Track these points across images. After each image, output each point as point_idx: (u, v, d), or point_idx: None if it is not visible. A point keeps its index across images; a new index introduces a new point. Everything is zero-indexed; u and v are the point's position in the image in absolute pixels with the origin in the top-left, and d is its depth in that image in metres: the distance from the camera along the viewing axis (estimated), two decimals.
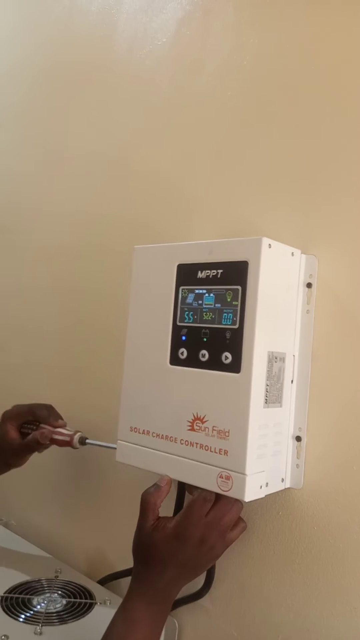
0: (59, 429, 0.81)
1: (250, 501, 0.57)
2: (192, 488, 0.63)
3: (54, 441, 0.80)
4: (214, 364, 0.60)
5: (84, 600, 0.81)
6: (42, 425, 0.82)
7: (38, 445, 0.80)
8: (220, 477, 0.58)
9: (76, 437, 0.80)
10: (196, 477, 0.60)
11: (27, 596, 0.81)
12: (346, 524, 0.61)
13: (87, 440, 0.80)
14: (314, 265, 0.64)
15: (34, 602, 0.80)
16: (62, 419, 0.84)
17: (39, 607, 0.79)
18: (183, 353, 0.63)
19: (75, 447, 0.80)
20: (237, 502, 0.61)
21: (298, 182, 0.68)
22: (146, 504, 0.62)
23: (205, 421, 0.60)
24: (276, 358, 0.60)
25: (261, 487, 0.59)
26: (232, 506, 0.61)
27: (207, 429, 0.60)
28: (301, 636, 0.64)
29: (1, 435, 0.82)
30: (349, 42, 0.64)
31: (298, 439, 0.64)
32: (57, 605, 0.80)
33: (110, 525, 0.91)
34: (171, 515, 0.64)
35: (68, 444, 0.80)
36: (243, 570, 0.70)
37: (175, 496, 0.72)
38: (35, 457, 1.06)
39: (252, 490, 0.57)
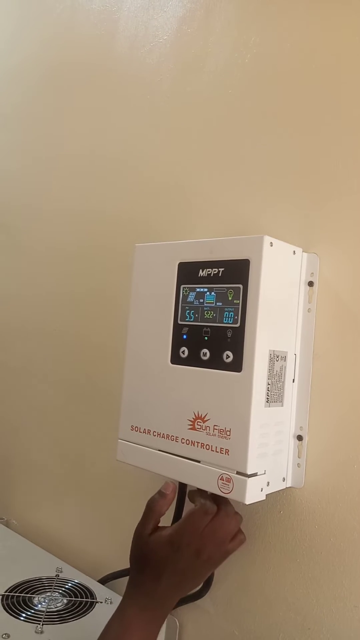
0: None
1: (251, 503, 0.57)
2: (193, 496, 0.62)
3: None
4: (215, 362, 0.60)
5: (84, 599, 0.81)
6: None
7: None
8: (221, 479, 0.58)
9: None
10: (197, 478, 0.60)
11: (28, 595, 0.81)
12: (347, 523, 0.61)
13: None
14: (316, 263, 0.64)
15: (35, 600, 0.80)
16: None
17: (39, 605, 0.79)
18: (184, 352, 0.63)
19: None
20: (236, 515, 0.61)
21: (300, 180, 0.68)
22: (151, 512, 0.62)
23: (207, 420, 0.60)
24: (277, 357, 0.60)
25: (262, 489, 0.58)
26: (230, 519, 0.60)
27: (208, 428, 0.59)
28: (302, 635, 0.64)
29: None
30: (351, 40, 0.64)
31: (299, 438, 0.64)
32: (58, 604, 0.80)
33: (111, 524, 0.91)
34: (170, 521, 0.63)
35: None
36: (244, 569, 0.70)
37: (175, 502, 0.71)
38: (35, 456, 1.07)
39: (253, 493, 0.57)
